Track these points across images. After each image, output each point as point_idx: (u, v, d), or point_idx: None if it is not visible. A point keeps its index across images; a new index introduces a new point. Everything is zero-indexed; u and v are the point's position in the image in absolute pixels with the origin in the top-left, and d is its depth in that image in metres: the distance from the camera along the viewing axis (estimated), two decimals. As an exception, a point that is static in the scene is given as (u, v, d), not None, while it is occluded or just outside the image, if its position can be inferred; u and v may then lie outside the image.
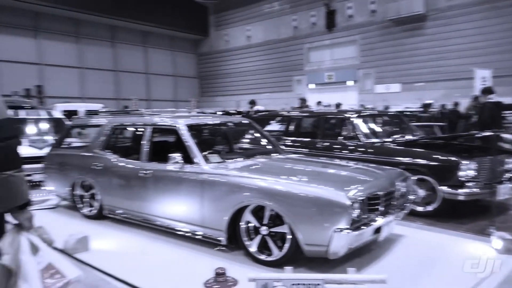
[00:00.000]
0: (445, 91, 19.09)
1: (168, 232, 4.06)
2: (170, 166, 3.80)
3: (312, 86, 26.98)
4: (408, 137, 5.99)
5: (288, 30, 29.31)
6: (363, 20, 23.43)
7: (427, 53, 20.39)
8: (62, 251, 3.48)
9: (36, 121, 8.63)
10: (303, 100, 10.45)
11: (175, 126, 4.01)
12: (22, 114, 8.55)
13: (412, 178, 4.13)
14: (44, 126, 8.65)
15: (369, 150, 5.45)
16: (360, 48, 23.95)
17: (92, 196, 4.79)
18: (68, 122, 5.47)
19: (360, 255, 3.42)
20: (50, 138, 7.75)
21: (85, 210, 4.89)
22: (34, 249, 1.56)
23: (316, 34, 26.41)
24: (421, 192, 4.89)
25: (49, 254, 1.59)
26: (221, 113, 13.46)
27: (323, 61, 26.47)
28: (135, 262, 3.51)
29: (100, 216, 4.73)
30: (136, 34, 32.22)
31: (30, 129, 8.35)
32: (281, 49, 29.72)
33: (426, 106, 12.98)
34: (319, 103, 14.57)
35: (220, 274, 2.40)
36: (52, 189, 5.42)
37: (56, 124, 8.86)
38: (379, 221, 3.18)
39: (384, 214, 3.28)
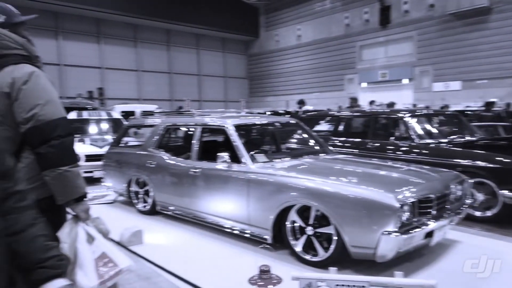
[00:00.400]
0: (510, 88, 17.69)
1: (215, 228, 4.18)
2: (218, 165, 3.91)
3: (364, 84, 26.22)
4: (467, 138, 5.65)
5: (339, 28, 28.74)
6: (421, 15, 22.34)
7: (490, 48, 19.01)
8: (118, 243, 3.71)
9: (97, 121, 9.24)
10: (354, 100, 10.21)
11: (223, 126, 4.11)
12: (85, 114, 9.21)
13: (469, 181, 3.89)
14: (104, 126, 9.24)
15: (423, 152, 5.21)
16: (417, 44, 22.85)
17: (146, 193, 5.04)
18: (125, 122, 5.79)
19: (410, 259, 3.29)
20: (109, 137, 8.26)
21: (140, 206, 5.15)
22: (90, 239, 1.66)
23: (369, 31, 25.62)
24: (480, 196, 4.59)
25: (103, 244, 1.67)
26: (269, 113, 13.53)
27: (376, 59, 25.61)
28: (184, 256, 3.65)
29: (153, 211, 4.96)
30: (190, 37, 33.29)
31: (91, 128, 8.96)
32: (332, 47, 29.21)
33: (489, 105, 12.10)
34: (372, 102, 13.68)
35: (264, 272, 2.42)
36: (110, 185, 5.77)
37: (115, 124, 9.42)
38: (431, 225, 3.04)
39: (437, 218, 3.13)
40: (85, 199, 1.68)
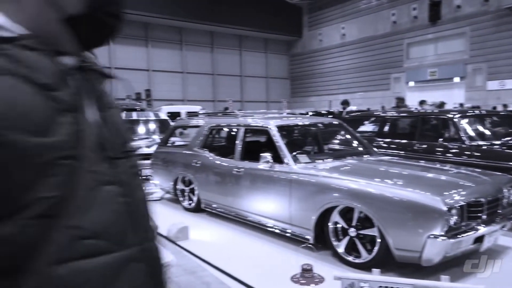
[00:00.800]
0: None
1: (256, 227, 4.26)
2: (261, 165, 3.98)
3: (411, 84, 25.27)
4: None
5: (386, 26, 27.93)
6: (474, 10, 21.19)
7: (552, 44, 17.66)
8: (165, 237, 3.89)
9: (145, 121, 9.67)
10: (400, 100, 9.89)
11: (266, 127, 4.18)
12: (134, 115, 9.68)
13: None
14: (152, 126, 9.65)
15: (474, 154, 4.98)
16: (470, 41, 21.68)
17: (192, 191, 5.23)
18: (172, 123, 6.03)
19: (459, 264, 3.17)
20: (157, 137, 8.62)
21: (185, 203, 5.36)
22: None
23: (418, 28, 24.68)
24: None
25: None
26: (311, 113, 13.42)
27: (425, 56, 24.59)
28: (228, 252, 3.77)
29: (198, 209, 5.14)
30: (233, 38, 33.77)
31: (140, 128, 9.40)
32: (377, 46, 28.46)
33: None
34: (422, 102, 12.57)
35: (307, 270, 2.46)
36: (157, 183, 6.04)
37: (162, 124, 9.81)
38: (481, 230, 2.92)
39: (487, 223, 3.00)
40: None
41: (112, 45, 27.85)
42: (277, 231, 3.93)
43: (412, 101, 20.99)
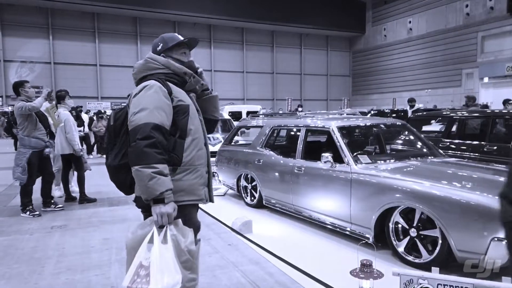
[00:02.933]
0: None
1: (315, 223, 4.41)
2: (322, 165, 4.12)
3: (486, 79, 23.50)
4: None
5: (458, 18, 26.27)
6: (559, -2, 19.20)
7: None
8: (231, 228, 4.17)
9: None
10: (471, 98, 9.34)
11: (328, 128, 4.30)
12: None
13: None
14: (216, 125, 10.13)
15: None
16: (554, 32, 19.69)
17: (254, 188, 5.50)
18: (236, 123, 6.34)
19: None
20: (220, 136, 9.06)
21: (248, 199, 5.64)
22: (151, 244, 1.72)
23: (494, 20, 22.92)
24: None
25: (159, 256, 1.67)
26: (373, 112, 13.08)
27: (502, 50, 22.74)
28: (288, 246, 3.96)
29: (259, 205, 5.40)
30: (293, 37, 33.81)
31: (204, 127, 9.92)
32: (448, 40, 26.87)
33: None
34: (507, 101, 10.65)
35: (366, 265, 2.55)
36: (222, 180, 6.40)
37: (224, 124, 10.27)
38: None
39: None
40: (164, 202, 1.75)
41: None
42: (336, 228, 4.05)
43: (486, 98, 19.55)
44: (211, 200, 2.17)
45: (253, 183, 5.49)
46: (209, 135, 7.78)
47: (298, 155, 4.60)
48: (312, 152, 4.55)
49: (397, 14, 31.12)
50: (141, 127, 1.78)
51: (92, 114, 15.47)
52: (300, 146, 4.62)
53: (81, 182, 6.02)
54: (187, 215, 1.94)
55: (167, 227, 1.75)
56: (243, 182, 5.73)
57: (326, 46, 35.57)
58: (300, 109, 14.12)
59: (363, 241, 3.23)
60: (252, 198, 5.57)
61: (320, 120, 4.53)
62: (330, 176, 4.02)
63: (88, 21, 26.48)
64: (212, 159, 8.09)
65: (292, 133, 5.17)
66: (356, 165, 3.85)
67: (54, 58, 25.64)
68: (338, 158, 4.02)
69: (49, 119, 5.54)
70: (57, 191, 6.51)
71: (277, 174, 4.90)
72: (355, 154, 4.01)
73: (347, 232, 3.90)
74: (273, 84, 33.63)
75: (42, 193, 5.50)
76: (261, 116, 6.00)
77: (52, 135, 5.77)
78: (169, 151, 1.88)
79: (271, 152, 5.14)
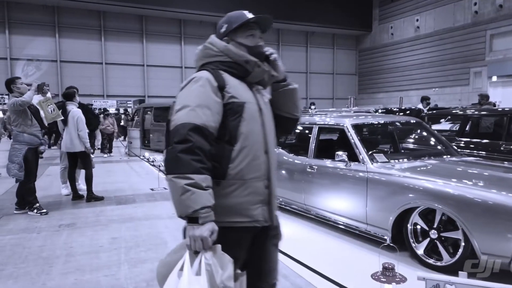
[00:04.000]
0: None
1: (327, 223, 4.30)
2: (336, 163, 4.00)
3: (494, 78, 23.23)
4: None
5: (466, 16, 26.00)
6: None
7: None
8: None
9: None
10: (484, 97, 9.16)
11: (342, 126, 4.18)
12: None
13: None
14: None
15: None
16: None
17: (264, 186, 5.38)
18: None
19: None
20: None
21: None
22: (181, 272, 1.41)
23: (503, 18, 22.64)
24: None
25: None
26: (381, 111, 12.90)
27: (511, 49, 22.45)
28: (305, 248, 3.84)
29: (270, 204, 5.28)
30: (299, 35, 33.64)
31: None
32: (455, 38, 26.59)
33: None
34: None
35: (388, 269, 2.44)
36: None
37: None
38: None
39: None
40: (198, 223, 1.39)
41: (184, 46, 29.22)
42: (351, 229, 3.93)
43: (495, 97, 19.30)
44: (272, 221, 1.74)
45: (263, 182, 5.38)
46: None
47: (311, 153, 4.49)
48: (325, 150, 4.43)
49: (404, 12, 30.84)
50: (179, 128, 1.47)
51: (97, 112, 15.51)
52: (312, 144, 4.50)
53: (88, 180, 5.95)
54: (231, 241, 1.52)
55: (201, 254, 1.40)
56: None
57: (332, 45, 35.38)
58: (313, 107, 13.95)
59: (384, 243, 3.12)
60: (262, 197, 5.46)
61: (333, 117, 4.41)
62: (345, 175, 3.90)
63: (94, 19, 26.50)
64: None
65: (304, 131, 5.04)
66: (372, 164, 3.73)
67: (60, 56, 25.69)
68: (352, 157, 3.90)
69: (41, 112, 5.42)
70: (64, 189, 6.45)
71: (288, 173, 4.78)
72: (370, 152, 3.89)
73: (363, 233, 3.77)
74: (279, 83, 33.45)
75: (18, 193, 5.28)
76: None
77: (46, 132, 5.69)
78: (214, 160, 1.51)
79: (281, 150, 5.02)
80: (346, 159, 3.84)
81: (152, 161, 10.46)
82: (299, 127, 5.06)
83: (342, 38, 35.32)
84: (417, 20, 29.71)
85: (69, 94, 5.97)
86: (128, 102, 26.56)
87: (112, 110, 22.06)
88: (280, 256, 3.45)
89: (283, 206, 5.00)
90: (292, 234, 4.36)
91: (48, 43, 25.38)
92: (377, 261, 2.92)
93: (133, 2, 25.28)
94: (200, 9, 27.32)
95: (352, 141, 3.96)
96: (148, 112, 14.57)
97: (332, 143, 5.07)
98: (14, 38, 24.64)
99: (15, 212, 5.20)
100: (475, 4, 25.31)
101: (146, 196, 6.30)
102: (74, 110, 5.85)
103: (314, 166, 4.33)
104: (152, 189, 6.86)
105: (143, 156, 11.64)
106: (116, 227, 4.58)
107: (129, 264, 3.46)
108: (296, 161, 4.69)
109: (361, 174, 3.73)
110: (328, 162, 4.18)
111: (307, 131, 4.80)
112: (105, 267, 3.39)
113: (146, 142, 13.95)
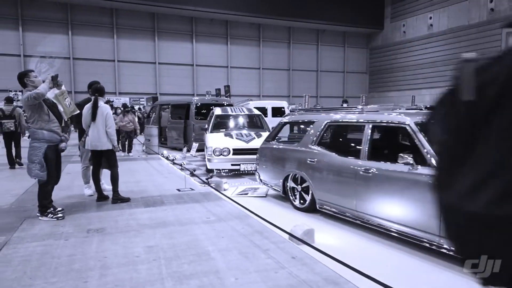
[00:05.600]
0: None
1: (382, 232, 3.88)
2: (398, 167, 3.59)
3: None
4: None
5: (481, 14, 25.49)
6: None
7: None
8: (296, 238, 3.66)
9: (241, 117, 9.67)
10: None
11: (403, 124, 3.76)
12: (229, 111, 9.71)
13: None
14: (247, 121, 9.63)
15: None
16: None
17: (305, 190, 4.98)
18: (283, 119, 5.84)
19: None
20: (253, 133, 8.56)
21: (297, 202, 5.13)
22: None
23: (522, 15, 22.07)
24: None
25: None
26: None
27: (530, 46, 21.82)
28: (365, 261, 3.43)
29: (311, 209, 4.89)
30: (310, 33, 33.24)
31: (236, 124, 9.42)
32: (470, 36, 26.07)
33: None
34: None
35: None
36: (264, 180, 5.90)
37: (252, 119, 9.75)
38: None
39: None
40: None
41: (195, 44, 28.93)
42: (417, 241, 3.52)
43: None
44: None
45: (304, 185, 4.99)
46: (241, 131, 7.25)
47: (364, 155, 4.07)
48: (382, 151, 4.01)
49: (417, 10, 30.34)
50: None
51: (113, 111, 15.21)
52: (365, 144, 4.09)
53: (114, 180, 5.59)
54: None
55: None
56: (290, 183, 5.23)
57: (343, 43, 34.97)
58: (345, 105, 13.47)
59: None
60: (302, 201, 5.07)
61: (392, 114, 3.97)
62: (411, 180, 3.48)
63: (107, 17, 26.32)
64: (247, 157, 7.63)
65: (353, 129, 4.64)
66: (443, 167, 3.30)
67: (73, 54, 25.56)
68: (418, 159, 3.48)
69: (59, 106, 5.02)
70: (87, 190, 6.10)
71: (336, 175, 4.37)
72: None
73: (435, 248, 3.35)
74: (289, 81, 33.15)
75: (39, 197, 4.84)
76: (315, 110, 5.46)
77: (65, 127, 5.32)
78: None
79: (327, 151, 4.62)
80: (413, 162, 3.43)
81: (172, 160, 10.11)
82: (344, 125, 4.64)
83: (353, 36, 34.89)
84: (430, 18, 29.17)
85: (102, 89, 5.62)
86: (140, 100, 26.31)
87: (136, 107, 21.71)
88: (344, 272, 3.06)
89: (326, 211, 4.59)
90: (349, 245, 3.95)
91: (61, 41, 25.27)
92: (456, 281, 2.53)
93: (145, 0, 25.05)
94: (211, 7, 27.03)
95: (418, 142, 3.54)
96: (166, 110, 14.25)
97: (387, 143, 4.63)
98: (28, 35, 24.53)
99: (39, 218, 4.82)
100: (491, 1, 24.78)
101: (174, 198, 5.94)
102: (103, 105, 5.49)
103: (369, 170, 3.92)
104: (178, 190, 6.49)
105: (162, 154, 11.29)
106: (150, 234, 4.20)
107: (173, 279, 3.08)
108: (345, 163, 4.27)
109: (431, 179, 3.31)
110: (388, 165, 3.76)
111: (356, 130, 4.39)
112: (147, 283, 3.01)
113: (163, 139, 13.63)
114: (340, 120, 4.65)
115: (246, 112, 9.67)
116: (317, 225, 4.40)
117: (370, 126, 4.11)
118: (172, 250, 3.72)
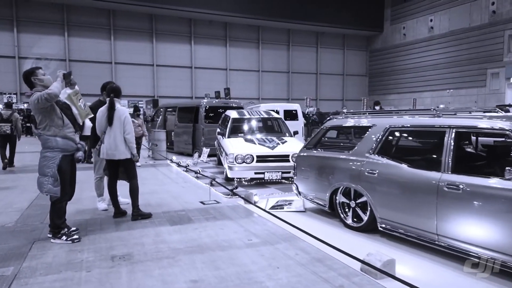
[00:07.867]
0: None
1: (477, 263, 3.21)
2: (502, 183, 2.93)
3: (513, 79, 22.37)
4: None
5: (483, 16, 25.20)
6: None
7: None
8: (375, 268, 2.95)
9: (261, 120, 8.97)
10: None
11: (499, 130, 3.11)
12: (245, 113, 9.01)
13: None
14: (265, 125, 8.94)
15: None
16: None
17: (360, 206, 4.31)
18: (327, 124, 5.17)
19: None
20: (275, 138, 7.88)
21: (349, 220, 4.45)
22: None
23: (524, 17, 21.83)
24: None
25: None
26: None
27: (532, 49, 21.61)
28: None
29: (369, 228, 4.22)
30: (310, 35, 32.83)
31: (255, 127, 8.71)
32: (471, 38, 25.79)
33: None
34: None
35: None
36: (303, 193, 5.22)
37: (273, 123, 9.07)
38: None
39: None
40: None
41: (194, 46, 28.27)
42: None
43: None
44: None
45: (359, 200, 4.31)
46: (263, 137, 6.54)
47: (446, 167, 3.41)
48: (466, 163, 3.36)
49: (417, 12, 30.05)
50: None
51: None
52: (447, 155, 3.43)
53: (134, 193, 4.86)
54: None
55: None
56: (341, 198, 4.55)
57: (342, 45, 34.63)
58: (377, 107, 12.83)
59: None
60: (356, 219, 4.39)
61: (485, 119, 3.32)
62: (524, 200, 2.83)
63: (104, 18, 25.58)
64: (272, 164, 6.94)
65: (426, 135, 3.99)
66: None
67: (70, 55, 24.74)
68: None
69: (73, 108, 4.24)
70: (100, 204, 5.37)
71: (408, 191, 3.70)
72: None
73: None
74: (289, 84, 32.66)
75: (51, 215, 4.12)
76: (371, 114, 4.78)
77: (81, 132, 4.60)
78: None
79: (391, 161, 3.95)
80: (524, 177, 2.78)
81: (186, 166, 9.39)
82: (409, 131, 3.99)
83: (353, 39, 34.56)
84: (431, 20, 28.87)
85: (118, 89, 4.89)
86: (139, 102, 25.51)
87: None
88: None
89: (391, 232, 3.91)
90: (427, 274, 3.28)
91: (57, 42, 24.47)
92: None
93: (143, 1, 24.41)
94: (210, 8, 26.45)
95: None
96: (172, 113, 13.50)
97: (470, 153, 3.96)
98: (23, 37, 23.70)
99: (51, 240, 4.08)
100: (493, 3, 24.51)
101: (200, 213, 5.23)
102: (120, 108, 4.77)
103: (457, 185, 3.25)
104: (202, 203, 5.78)
105: (171, 159, 10.56)
106: (188, 262, 3.49)
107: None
108: (419, 175, 3.60)
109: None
110: (484, 180, 3.10)
111: (432, 136, 3.73)
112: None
113: (168, 144, 12.87)
114: (407, 125, 3.99)
115: (265, 116, 8.97)
116: (385, 251, 3.73)
117: (453, 132, 3.46)
118: (222, 286, 3.02)
